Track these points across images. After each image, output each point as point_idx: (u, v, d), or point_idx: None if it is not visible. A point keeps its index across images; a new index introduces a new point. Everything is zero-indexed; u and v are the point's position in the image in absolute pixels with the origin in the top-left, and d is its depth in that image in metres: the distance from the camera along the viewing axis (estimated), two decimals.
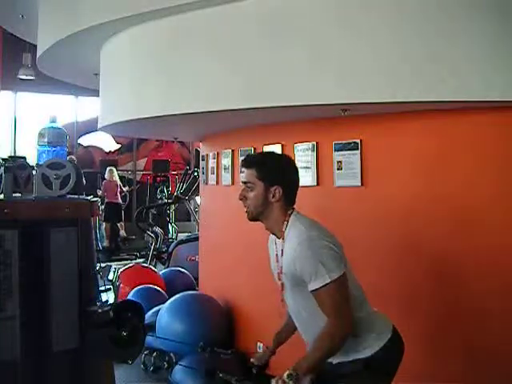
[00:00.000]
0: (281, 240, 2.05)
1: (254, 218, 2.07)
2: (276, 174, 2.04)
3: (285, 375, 1.83)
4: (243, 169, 2.07)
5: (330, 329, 1.90)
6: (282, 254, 2.03)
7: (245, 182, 2.06)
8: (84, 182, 10.85)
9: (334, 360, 2.02)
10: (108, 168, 10.94)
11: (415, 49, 2.58)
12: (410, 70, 2.58)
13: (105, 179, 10.83)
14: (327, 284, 1.88)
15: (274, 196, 2.02)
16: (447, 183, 2.92)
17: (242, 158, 2.16)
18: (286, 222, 2.03)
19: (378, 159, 3.21)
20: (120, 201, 11.01)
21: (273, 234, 2.11)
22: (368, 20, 2.69)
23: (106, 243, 10.66)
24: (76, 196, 2.26)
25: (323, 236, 1.97)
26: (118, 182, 11.03)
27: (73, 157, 10.56)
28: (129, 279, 5.55)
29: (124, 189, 11.37)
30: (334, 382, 2.05)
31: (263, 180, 2.02)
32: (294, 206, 2.10)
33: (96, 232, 10.09)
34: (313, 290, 1.91)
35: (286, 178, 2.06)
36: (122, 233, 11.05)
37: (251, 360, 2.28)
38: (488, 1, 2.50)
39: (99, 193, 10.58)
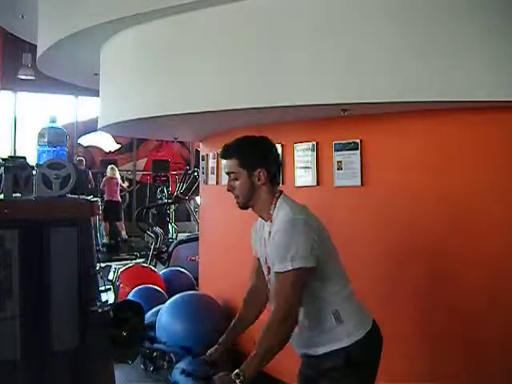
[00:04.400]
0: (268, 222, 2.05)
1: (244, 205, 2.08)
2: (256, 157, 2.05)
3: (233, 374, 1.84)
4: (223, 160, 2.09)
5: (274, 320, 1.90)
6: (269, 236, 2.04)
7: (228, 173, 2.08)
8: (93, 182, 10.89)
9: (319, 351, 2.02)
10: (110, 166, 10.95)
11: (415, 49, 2.58)
12: (410, 70, 2.58)
13: (105, 176, 10.85)
14: (288, 271, 1.89)
15: (259, 179, 2.03)
16: (447, 183, 2.92)
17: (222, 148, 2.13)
18: (273, 205, 2.04)
19: (378, 159, 3.21)
20: (119, 199, 11.01)
21: (261, 217, 2.11)
22: (368, 20, 2.69)
23: (106, 239, 10.66)
24: (76, 196, 2.26)
25: (308, 221, 1.97)
26: (119, 180, 11.04)
27: (82, 158, 10.61)
28: (129, 279, 5.54)
29: (124, 185, 11.38)
30: (317, 381, 2.06)
31: (245, 167, 2.03)
32: (282, 189, 2.11)
33: (96, 231, 10.11)
34: (275, 272, 1.93)
35: (266, 159, 2.07)
36: (124, 234, 11.03)
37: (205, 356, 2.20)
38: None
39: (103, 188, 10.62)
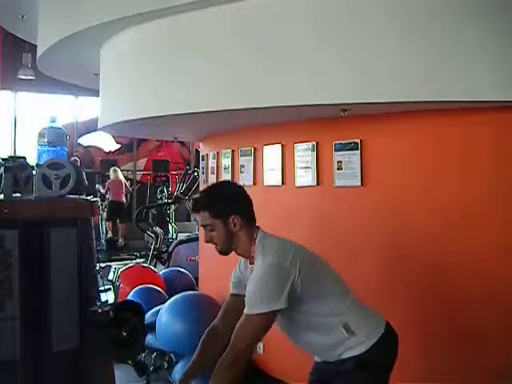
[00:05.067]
0: (251, 266, 2.08)
1: (225, 252, 2.12)
2: (226, 206, 2.06)
3: None
4: (195, 214, 2.12)
5: (221, 364, 1.91)
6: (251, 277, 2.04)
7: (204, 226, 2.08)
8: (86, 182, 10.86)
9: (331, 358, 2.05)
10: (112, 168, 10.94)
11: (415, 49, 2.59)
12: (410, 71, 2.59)
13: (107, 178, 10.84)
14: (253, 314, 1.93)
15: (235, 225, 2.05)
16: (447, 183, 2.92)
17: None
18: (253, 247, 2.06)
19: (378, 159, 3.21)
20: (124, 200, 11.00)
21: (247, 259, 2.13)
22: (368, 21, 2.69)
23: (109, 234, 10.65)
24: (76, 196, 2.26)
25: (281, 264, 1.97)
26: (124, 181, 11.03)
27: (77, 158, 10.60)
28: (129, 279, 5.54)
29: (129, 187, 11.40)
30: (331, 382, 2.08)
31: (218, 217, 2.04)
32: (258, 225, 2.13)
33: (98, 230, 10.12)
34: (244, 313, 1.96)
35: (237, 205, 2.08)
36: (121, 241, 10.97)
37: None
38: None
39: (100, 189, 10.59)
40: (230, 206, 2.06)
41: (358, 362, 1.99)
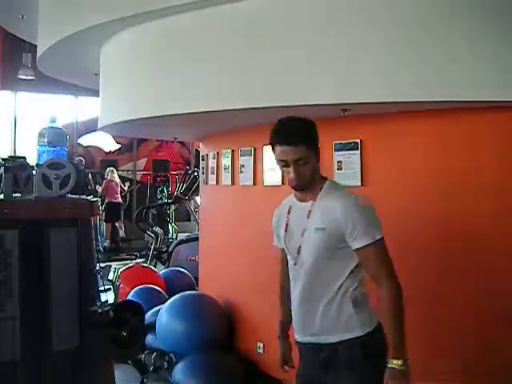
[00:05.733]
0: (309, 202, 2.04)
1: (306, 187, 2.04)
2: (317, 138, 2.04)
3: (398, 364, 1.85)
4: (288, 147, 1.95)
5: (390, 293, 1.95)
6: (308, 217, 2.02)
7: (297, 160, 1.96)
8: (92, 183, 10.89)
9: (329, 339, 1.99)
10: (109, 168, 10.97)
11: (415, 49, 2.58)
12: (410, 71, 2.59)
13: (105, 178, 10.85)
14: (377, 241, 1.93)
15: (318, 161, 2.04)
16: (447, 182, 2.92)
17: (276, 135, 1.99)
18: (321, 185, 2.04)
19: (378, 159, 3.21)
20: (120, 200, 11.01)
21: (300, 199, 2.08)
22: (369, 20, 2.69)
23: (107, 243, 10.65)
24: (76, 196, 2.26)
25: (367, 201, 2.04)
26: (118, 181, 11.05)
27: (81, 158, 10.61)
28: (129, 279, 5.54)
29: (124, 187, 11.40)
30: (336, 370, 2.01)
31: (312, 150, 2.00)
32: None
33: (96, 231, 10.11)
34: (360, 247, 1.93)
35: (318, 140, 2.06)
36: (122, 233, 11.05)
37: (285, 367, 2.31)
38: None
39: (99, 190, 10.60)
40: (318, 139, 2.04)
41: (362, 348, 1.95)
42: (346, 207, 1.96)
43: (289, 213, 2.13)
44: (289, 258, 2.13)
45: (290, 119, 2.03)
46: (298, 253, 2.05)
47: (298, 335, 2.11)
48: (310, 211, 2.02)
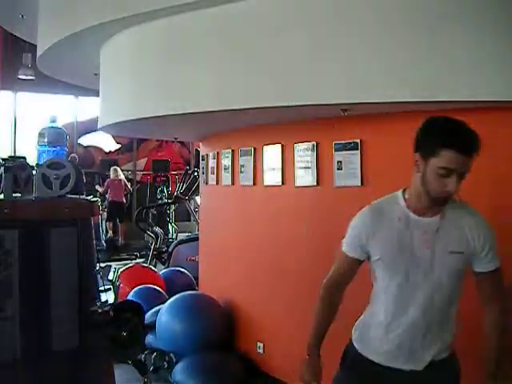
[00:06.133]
0: (435, 217, 1.90)
1: (448, 202, 1.90)
2: None
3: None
4: (466, 157, 1.77)
5: (502, 313, 1.90)
6: (436, 234, 1.88)
7: (464, 172, 1.81)
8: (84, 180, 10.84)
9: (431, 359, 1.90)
10: (112, 167, 10.94)
11: (415, 49, 2.58)
12: (410, 71, 2.58)
13: (108, 178, 10.84)
14: (499, 267, 1.89)
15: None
16: None
17: (457, 139, 1.80)
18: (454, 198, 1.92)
19: (378, 159, 3.21)
20: (123, 200, 10.99)
21: (419, 212, 1.94)
22: (369, 20, 2.69)
23: (109, 234, 10.62)
24: (76, 196, 2.26)
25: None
26: (124, 181, 11.03)
27: (75, 155, 10.57)
28: (129, 279, 5.55)
29: (129, 187, 11.40)
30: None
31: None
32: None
33: (97, 230, 10.11)
34: (494, 270, 1.88)
35: None
36: (121, 240, 10.97)
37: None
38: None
39: (99, 189, 10.59)
40: None
41: (458, 367, 1.97)
42: (479, 227, 1.88)
43: (406, 227, 1.93)
44: (389, 275, 1.91)
45: (463, 123, 1.83)
46: (425, 274, 1.87)
47: (395, 363, 1.90)
48: (437, 228, 1.88)
